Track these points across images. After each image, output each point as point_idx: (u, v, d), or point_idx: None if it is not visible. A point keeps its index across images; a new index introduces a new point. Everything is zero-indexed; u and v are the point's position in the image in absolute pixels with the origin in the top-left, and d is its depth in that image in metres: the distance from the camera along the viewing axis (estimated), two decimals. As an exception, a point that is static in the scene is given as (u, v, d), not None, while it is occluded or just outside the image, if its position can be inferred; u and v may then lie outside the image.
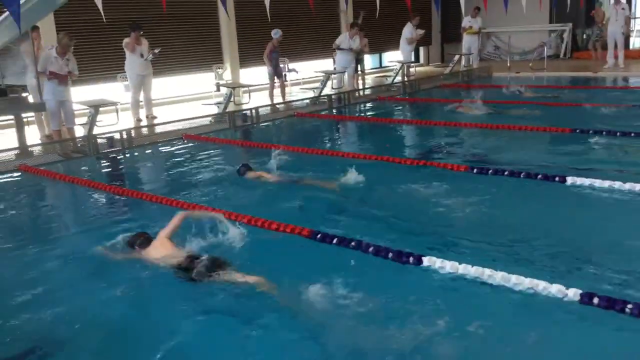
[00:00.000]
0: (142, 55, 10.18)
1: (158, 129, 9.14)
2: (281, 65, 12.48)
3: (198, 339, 3.17)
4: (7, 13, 6.84)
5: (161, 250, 3.93)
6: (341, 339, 3.08)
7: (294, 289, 3.50)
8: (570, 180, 5.37)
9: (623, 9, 14.12)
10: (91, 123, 8.48)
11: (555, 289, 3.30)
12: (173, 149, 8.20)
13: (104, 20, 8.26)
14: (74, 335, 3.29)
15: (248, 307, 3.42)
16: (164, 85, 12.66)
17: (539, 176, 5.56)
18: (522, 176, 5.63)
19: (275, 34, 11.62)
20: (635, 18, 18.62)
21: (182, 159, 7.57)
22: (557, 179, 5.44)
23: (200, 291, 3.56)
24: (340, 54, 12.97)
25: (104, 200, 5.81)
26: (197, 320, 3.32)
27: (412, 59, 15.94)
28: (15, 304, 3.63)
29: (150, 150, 8.24)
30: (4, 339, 3.27)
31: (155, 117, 10.52)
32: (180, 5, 12.33)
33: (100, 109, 8.65)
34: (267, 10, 9.96)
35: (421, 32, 14.66)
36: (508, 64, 15.70)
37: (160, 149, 8.25)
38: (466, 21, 15.38)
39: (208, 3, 13.24)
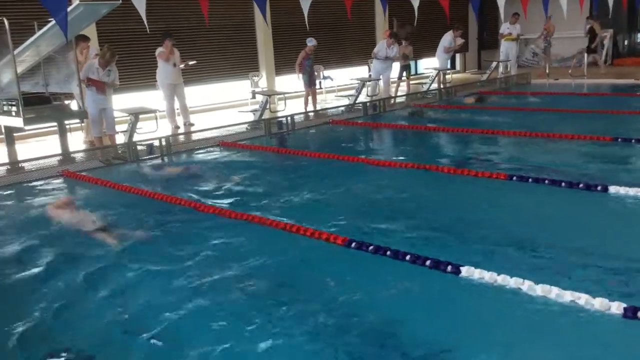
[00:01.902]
0: (174, 65, 10.39)
1: (195, 136, 9.28)
2: (315, 73, 12.54)
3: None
4: (52, 22, 7.05)
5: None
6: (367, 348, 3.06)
7: (329, 295, 3.52)
8: (612, 189, 5.24)
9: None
10: (131, 130, 8.65)
11: (597, 303, 3.22)
12: (209, 155, 8.31)
13: (147, 31, 8.45)
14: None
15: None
16: (201, 93, 12.87)
17: (581, 185, 5.44)
18: (563, 185, 5.52)
19: (310, 42, 11.69)
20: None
21: (218, 165, 7.65)
22: (599, 188, 5.31)
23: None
24: (376, 61, 12.98)
25: (143, 204, 5.91)
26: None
27: (448, 66, 15.83)
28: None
29: (187, 157, 8.36)
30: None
31: (192, 125, 10.70)
32: (218, 15, 12.51)
33: (140, 116, 8.83)
34: (306, 19, 10.03)
35: (460, 42, 14.56)
36: (547, 71, 15.44)
37: (197, 155, 8.37)
38: (504, 27, 15.21)
39: (245, 12, 13.41)
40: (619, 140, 7.29)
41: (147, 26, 8.16)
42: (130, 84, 11.42)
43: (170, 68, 10.39)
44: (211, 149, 8.63)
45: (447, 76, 15.55)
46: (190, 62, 10.86)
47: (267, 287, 3.78)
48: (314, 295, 3.63)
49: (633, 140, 7.21)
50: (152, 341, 3.23)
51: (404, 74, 14.46)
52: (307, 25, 10.35)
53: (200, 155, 8.32)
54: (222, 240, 4.69)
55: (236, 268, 4.08)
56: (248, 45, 13.77)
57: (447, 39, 14.28)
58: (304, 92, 12.17)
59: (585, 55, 15.74)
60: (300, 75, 11.94)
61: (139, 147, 8.19)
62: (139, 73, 11.69)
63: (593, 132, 7.72)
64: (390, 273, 3.91)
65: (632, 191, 5.12)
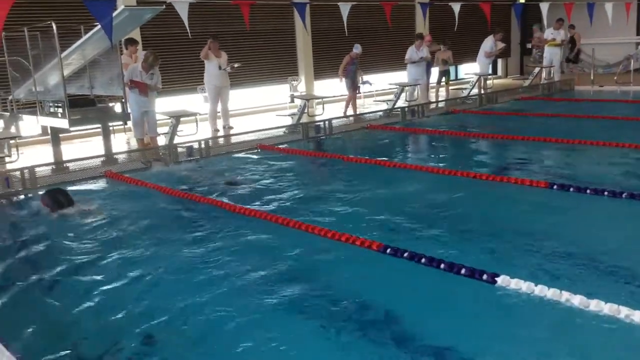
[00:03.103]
0: (220, 67, 10.55)
1: (234, 139, 9.39)
2: (357, 78, 12.57)
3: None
4: (97, 27, 7.24)
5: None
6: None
7: (362, 300, 3.51)
8: (658, 200, 5.09)
9: None
10: (172, 133, 8.82)
11: (638, 317, 3.13)
12: (248, 158, 8.40)
13: (190, 36, 8.59)
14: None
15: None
16: (240, 97, 13.02)
17: (624, 195, 5.29)
18: (605, 194, 5.38)
19: (356, 48, 11.75)
20: None
21: (256, 168, 7.73)
22: (643, 198, 5.16)
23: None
24: (410, 66, 12.93)
25: (181, 206, 6.02)
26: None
27: (490, 71, 15.62)
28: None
29: (226, 160, 8.46)
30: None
31: (231, 128, 10.83)
32: (259, 21, 12.66)
33: (181, 119, 8.99)
34: (345, 24, 10.06)
35: (502, 46, 14.36)
36: (592, 77, 15.07)
37: (235, 158, 8.46)
38: (548, 33, 14.92)
39: (286, 18, 13.53)
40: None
41: (189, 31, 8.31)
42: (172, 87, 11.65)
43: (216, 70, 10.56)
44: (249, 151, 8.73)
45: (488, 82, 15.34)
46: (236, 65, 11.02)
47: (299, 292, 3.79)
48: (347, 300, 3.62)
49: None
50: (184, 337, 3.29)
51: (443, 79, 14.35)
52: (346, 31, 10.37)
53: (239, 158, 8.42)
54: (256, 243, 4.74)
55: (269, 271, 4.11)
56: (288, 50, 13.89)
57: (488, 43, 14.08)
58: (347, 96, 12.21)
59: (565, 65, 15.72)
60: (343, 79, 12.01)
61: (179, 149, 8.34)
62: (181, 77, 11.92)
63: (638, 141, 7.50)
64: (425, 280, 3.88)
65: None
